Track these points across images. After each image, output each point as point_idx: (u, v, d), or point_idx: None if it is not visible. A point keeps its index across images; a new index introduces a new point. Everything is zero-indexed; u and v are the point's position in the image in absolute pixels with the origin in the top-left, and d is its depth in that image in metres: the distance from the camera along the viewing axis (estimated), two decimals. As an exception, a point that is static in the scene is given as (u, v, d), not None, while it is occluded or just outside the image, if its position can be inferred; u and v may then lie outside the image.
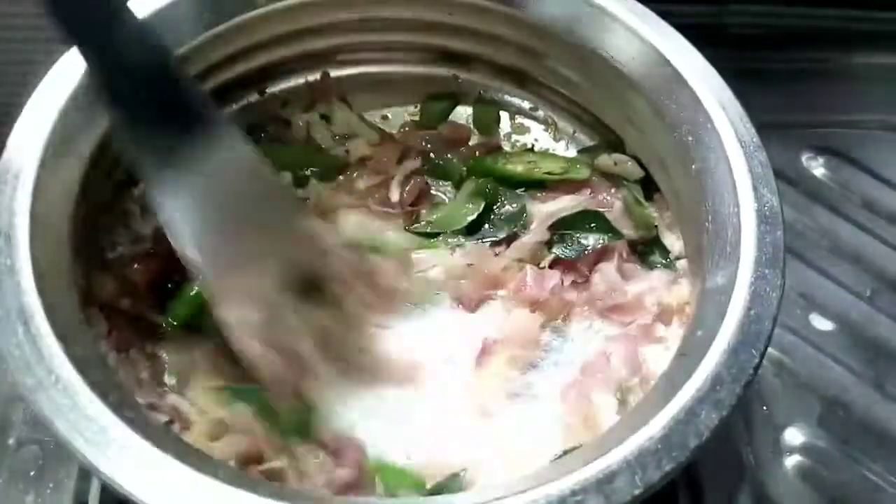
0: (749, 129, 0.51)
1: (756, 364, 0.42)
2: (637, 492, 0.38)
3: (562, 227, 0.59)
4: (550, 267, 0.59)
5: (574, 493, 0.37)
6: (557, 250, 0.59)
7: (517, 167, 0.63)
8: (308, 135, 0.65)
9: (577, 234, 0.59)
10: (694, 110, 0.53)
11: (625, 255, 0.59)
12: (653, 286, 0.57)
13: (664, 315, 0.57)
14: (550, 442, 0.52)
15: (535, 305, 0.57)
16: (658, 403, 0.41)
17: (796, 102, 0.81)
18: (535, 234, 0.59)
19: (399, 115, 0.69)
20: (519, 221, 0.61)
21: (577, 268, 0.59)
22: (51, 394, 0.39)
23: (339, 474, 0.48)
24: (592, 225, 0.59)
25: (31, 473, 0.55)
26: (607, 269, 0.58)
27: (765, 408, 0.63)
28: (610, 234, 0.59)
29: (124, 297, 0.55)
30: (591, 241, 0.59)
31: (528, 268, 0.58)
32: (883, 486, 0.61)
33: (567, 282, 0.58)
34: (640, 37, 0.55)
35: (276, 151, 0.63)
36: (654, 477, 0.39)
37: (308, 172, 0.63)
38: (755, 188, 0.49)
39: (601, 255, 0.59)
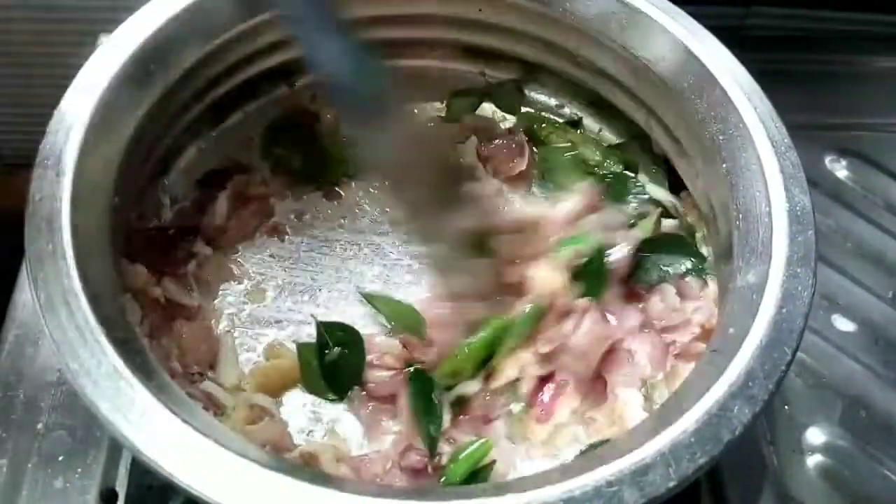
0: (780, 129, 0.52)
1: (788, 361, 0.43)
2: (671, 484, 0.38)
3: (640, 249, 0.57)
4: None
5: (610, 483, 0.38)
6: (640, 275, 0.57)
7: (559, 140, 0.64)
8: (336, 129, 0.65)
9: (659, 259, 0.57)
10: (724, 109, 0.53)
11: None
12: (707, 304, 0.56)
13: (704, 333, 0.55)
14: (575, 436, 0.53)
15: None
16: (691, 398, 0.42)
17: (819, 105, 0.81)
18: (619, 259, 0.57)
19: (425, 111, 0.69)
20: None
21: (637, 292, 0.57)
22: (94, 377, 0.40)
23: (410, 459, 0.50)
24: (675, 248, 0.58)
25: (60, 458, 0.56)
26: (668, 290, 0.56)
27: (787, 407, 0.64)
28: (694, 259, 0.57)
29: (156, 285, 0.55)
30: (674, 267, 0.57)
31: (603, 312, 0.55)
32: (904, 486, 0.61)
33: (633, 316, 0.56)
34: (670, 35, 0.56)
35: (310, 145, 0.64)
36: (688, 470, 0.39)
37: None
38: (786, 188, 0.49)
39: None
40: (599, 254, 0.56)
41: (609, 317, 0.56)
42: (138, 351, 0.42)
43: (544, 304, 0.54)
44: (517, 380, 0.54)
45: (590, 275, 0.55)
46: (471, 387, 0.54)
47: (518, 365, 0.54)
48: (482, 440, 0.51)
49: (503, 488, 0.38)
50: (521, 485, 0.38)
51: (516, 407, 0.54)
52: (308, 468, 0.44)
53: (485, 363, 0.54)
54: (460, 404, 0.53)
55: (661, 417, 0.42)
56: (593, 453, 0.44)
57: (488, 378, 0.54)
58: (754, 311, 0.44)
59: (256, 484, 0.38)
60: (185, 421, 0.39)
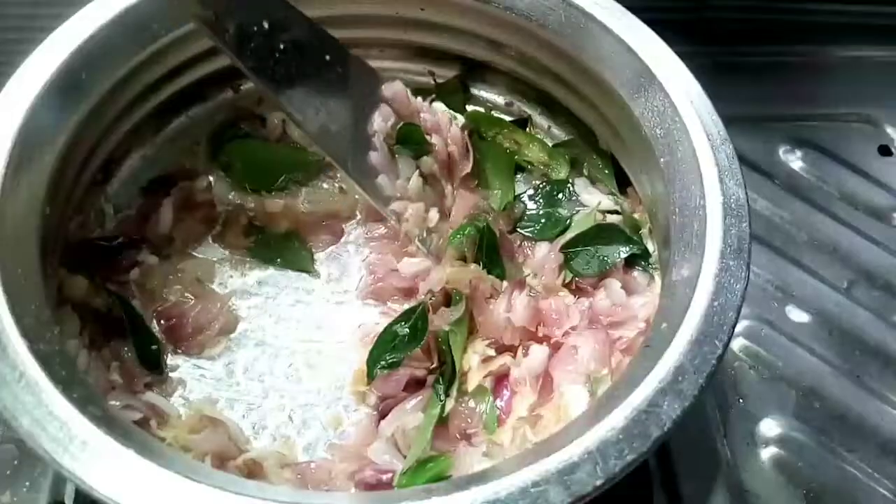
0: (716, 122, 0.51)
1: (719, 355, 0.42)
2: (598, 482, 0.38)
3: (576, 245, 0.58)
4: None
5: (536, 483, 0.38)
6: (578, 267, 0.58)
7: (504, 142, 0.64)
8: (283, 132, 0.65)
9: (597, 249, 0.58)
10: (661, 104, 0.53)
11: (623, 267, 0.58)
12: (653, 299, 0.55)
13: (650, 328, 0.54)
14: (522, 434, 0.52)
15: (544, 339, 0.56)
16: (621, 395, 0.41)
17: (774, 96, 0.81)
18: (549, 259, 0.58)
19: (376, 112, 0.69)
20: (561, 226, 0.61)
21: (583, 287, 0.58)
22: (14, 390, 0.39)
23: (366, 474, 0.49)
24: (610, 237, 0.58)
25: (7, 472, 0.56)
26: (612, 285, 0.56)
27: (740, 400, 0.64)
28: (632, 245, 0.57)
29: (96, 296, 0.55)
30: (612, 255, 0.57)
31: (551, 302, 0.56)
32: (858, 475, 0.61)
33: (578, 309, 0.56)
34: (608, 31, 0.55)
35: (256, 149, 0.63)
36: (615, 467, 0.39)
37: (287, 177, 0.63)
38: (721, 180, 0.49)
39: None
40: (489, 232, 0.57)
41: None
42: (63, 363, 0.42)
43: (467, 293, 0.55)
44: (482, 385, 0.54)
45: (486, 253, 0.57)
46: (448, 404, 0.53)
47: (477, 354, 0.55)
48: (442, 457, 0.50)
49: (428, 491, 0.37)
50: (446, 488, 0.38)
51: (487, 410, 0.53)
52: (240, 479, 0.43)
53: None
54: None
55: (593, 415, 0.42)
56: (525, 451, 0.44)
57: (461, 388, 0.54)
58: (686, 304, 0.44)
59: (178, 495, 0.37)
60: (108, 433, 0.38)
